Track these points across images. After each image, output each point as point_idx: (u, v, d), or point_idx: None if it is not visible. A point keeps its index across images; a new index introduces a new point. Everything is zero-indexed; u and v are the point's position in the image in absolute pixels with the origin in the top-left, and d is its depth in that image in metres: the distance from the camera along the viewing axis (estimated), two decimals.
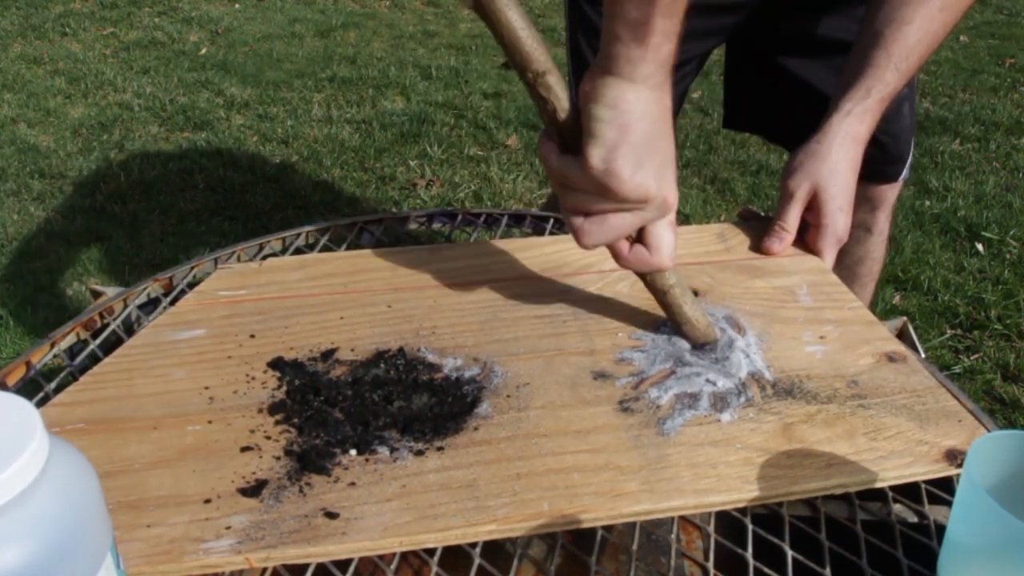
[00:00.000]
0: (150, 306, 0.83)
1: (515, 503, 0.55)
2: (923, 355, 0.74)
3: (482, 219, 1.00)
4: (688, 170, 2.59)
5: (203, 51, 3.50)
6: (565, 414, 0.64)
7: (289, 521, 0.54)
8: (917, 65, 0.87)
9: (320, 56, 3.47)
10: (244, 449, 0.60)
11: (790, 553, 0.56)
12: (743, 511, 0.58)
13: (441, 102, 3.05)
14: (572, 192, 0.64)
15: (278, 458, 0.59)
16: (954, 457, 0.60)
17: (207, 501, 0.55)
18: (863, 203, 1.10)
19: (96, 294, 0.85)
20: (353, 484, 0.57)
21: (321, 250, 0.92)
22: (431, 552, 0.54)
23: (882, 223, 1.19)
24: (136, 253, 2.15)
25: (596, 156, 0.60)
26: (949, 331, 1.90)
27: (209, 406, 0.64)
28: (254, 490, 0.56)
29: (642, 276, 0.70)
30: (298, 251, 0.93)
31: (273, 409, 0.64)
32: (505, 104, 3.02)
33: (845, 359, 0.70)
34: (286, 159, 2.65)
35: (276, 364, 0.69)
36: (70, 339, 0.76)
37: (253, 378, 0.67)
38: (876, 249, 1.20)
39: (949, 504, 0.55)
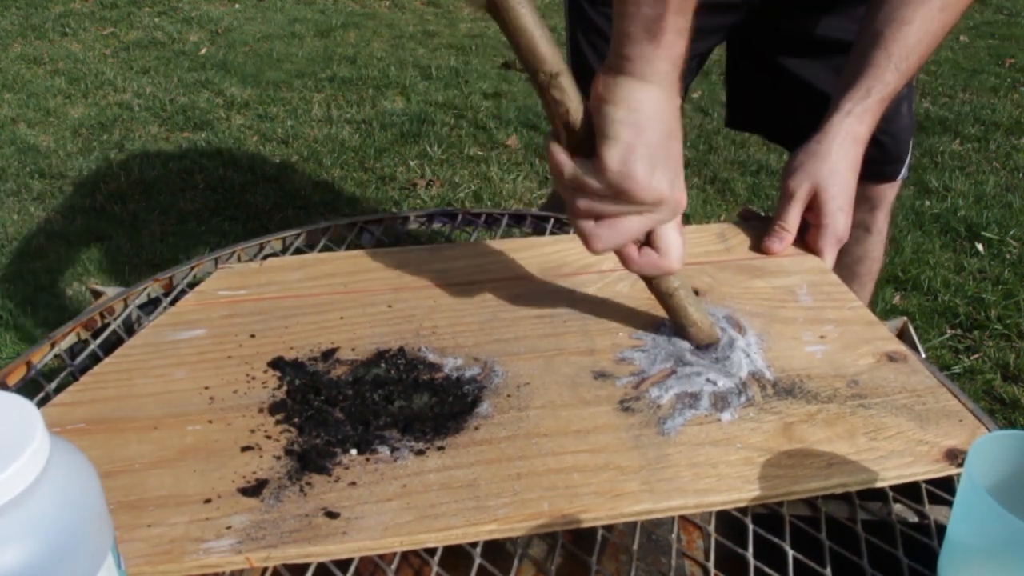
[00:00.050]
0: (150, 306, 0.83)
1: (515, 503, 0.55)
2: (923, 355, 0.74)
3: (482, 219, 1.00)
4: (688, 170, 2.59)
5: (203, 51, 3.50)
6: (565, 414, 0.64)
7: (290, 521, 0.54)
8: (917, 65, 0.87)
9: (320, 56, 3.47)
10: (244, 449, 0.60)
11: (791, 553, 0.56)
12: (744, 511, 0.58)
13: (441, 102, 3.05)
14: (582, 195, 0.63)
15: (278, 458, 0.59)
16: (954, 457, 0.60)
17: (207, 501, 0.55)
18: (862, 202, 1.10)
19: (96, 294, 0.86)
20: (354, 484, 0.57)
21: (321, 250, 0.92)
22: (432, 552, 0.54)
23: (881, 222, 1.19)
24: (136, 253, 2.15)
25: (613, 158, 0.59)
26: (949, 331, 1.90)
27: (209, 406, 0.64)
28: (254, 490, 0.56)
29: (647, 279, 0.70)
30: (298, 251, 0.93)
31: (273, 409, 0.64)
32: (505, 104, 3.02)
33: (845, 359, 0.70)
34: (286, 159, 2.65)
35: (276, 364, 0.69)
36: (70, 339, 0.76)
37: (253, 378, 0.67)
38: (875, 248, 1.21)
39: (949, 504, 0.55)
